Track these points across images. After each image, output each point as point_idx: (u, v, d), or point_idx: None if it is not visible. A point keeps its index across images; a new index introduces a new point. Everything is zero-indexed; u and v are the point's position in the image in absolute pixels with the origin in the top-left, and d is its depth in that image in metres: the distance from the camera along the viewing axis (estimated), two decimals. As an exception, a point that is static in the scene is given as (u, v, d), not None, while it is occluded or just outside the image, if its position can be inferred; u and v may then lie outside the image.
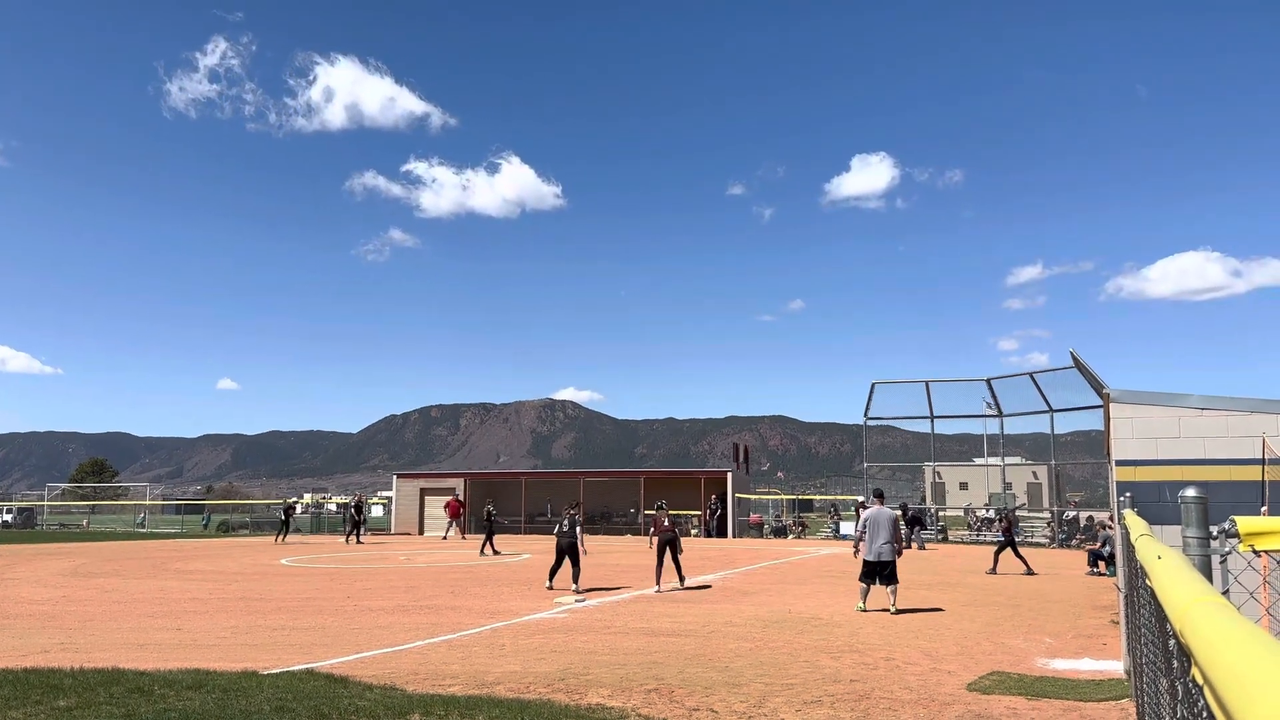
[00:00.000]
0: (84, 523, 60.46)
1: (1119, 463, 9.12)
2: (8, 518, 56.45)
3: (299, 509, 42.89)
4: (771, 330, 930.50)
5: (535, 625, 12.37)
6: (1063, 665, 9.78)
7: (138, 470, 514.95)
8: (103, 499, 69.94)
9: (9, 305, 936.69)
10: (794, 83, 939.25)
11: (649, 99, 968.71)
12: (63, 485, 77.47)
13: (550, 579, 16.80)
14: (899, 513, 26.14)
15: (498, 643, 10.89)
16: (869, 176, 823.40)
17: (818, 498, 66.87)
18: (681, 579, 17.12)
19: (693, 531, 41.04)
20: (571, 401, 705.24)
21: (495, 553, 26.86)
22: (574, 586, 15.59)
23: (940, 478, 55.17)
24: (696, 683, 8.58)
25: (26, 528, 54.15)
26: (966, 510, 45.72)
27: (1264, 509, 7.90)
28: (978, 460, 54.69)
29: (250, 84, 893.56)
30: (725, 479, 41.15)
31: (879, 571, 13.96)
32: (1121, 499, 8.14)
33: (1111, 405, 9.35)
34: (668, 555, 16.70)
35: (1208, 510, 2.83)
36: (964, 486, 58.75)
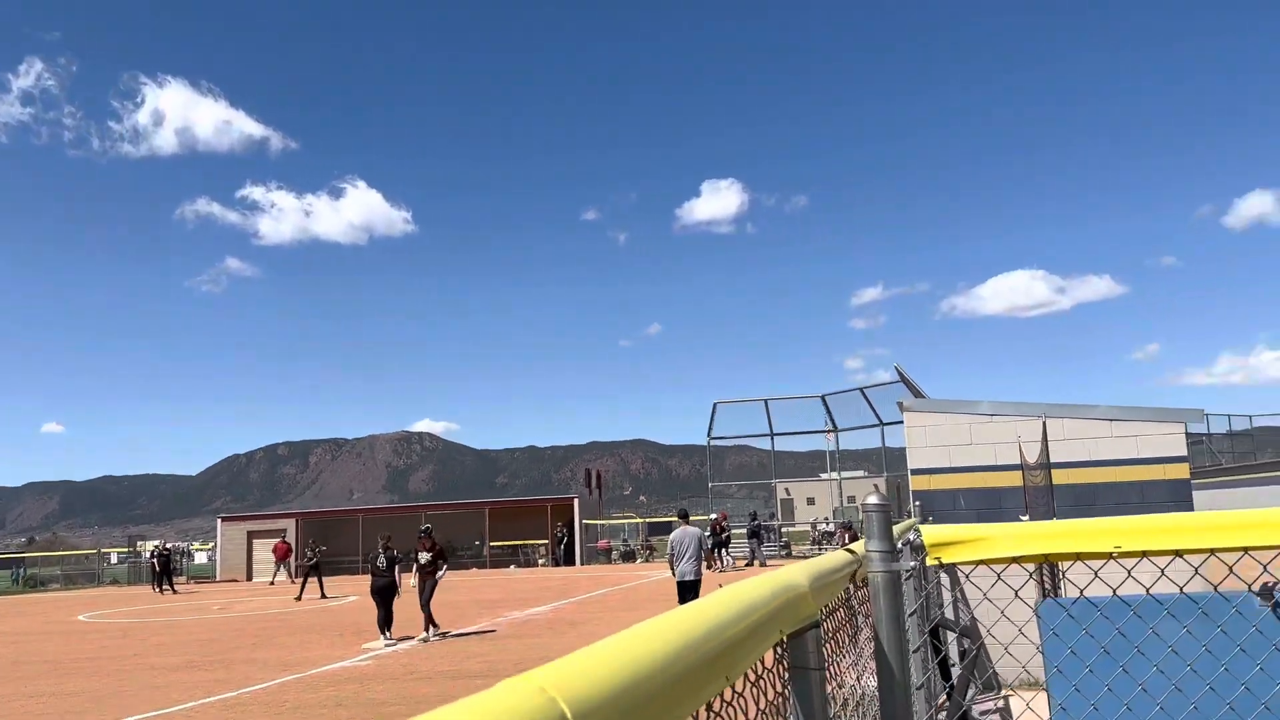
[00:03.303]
0: None
1: (913, 471, 9.06)
2: None
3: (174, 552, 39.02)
4: (631, 355, 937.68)
5: (330, 675, 11.42)
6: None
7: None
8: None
9: None
10: (642, 103, 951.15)
11: (502, 124, 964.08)
12: None
13: (384, 630, 14.25)
14: (706, 532, 26.07)
15: (281, 699, 9.93)
16: (719, 201, 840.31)
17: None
18: (428, 627, 14.69)
19: (540, 561, 40.20)
20: (429, 433, 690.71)
21: (323, 596, 25.56)
22: (385, 632, 14.60)
23: (789, 493, 56.24)
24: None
25: None
26: (813, 525, 46.63)
27: (1024, 515, 7.88)
28: (823, 475, 56.05)
29: (70, 107, 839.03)
30: (572, 505, 40.51)
31: (687, 592, 13.54)
32: (910, 507, 8.02)
33: (906, 414, 9.29)
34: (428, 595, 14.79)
35: (890, 520, 2.48)
36: (811, 501, 60.05)
